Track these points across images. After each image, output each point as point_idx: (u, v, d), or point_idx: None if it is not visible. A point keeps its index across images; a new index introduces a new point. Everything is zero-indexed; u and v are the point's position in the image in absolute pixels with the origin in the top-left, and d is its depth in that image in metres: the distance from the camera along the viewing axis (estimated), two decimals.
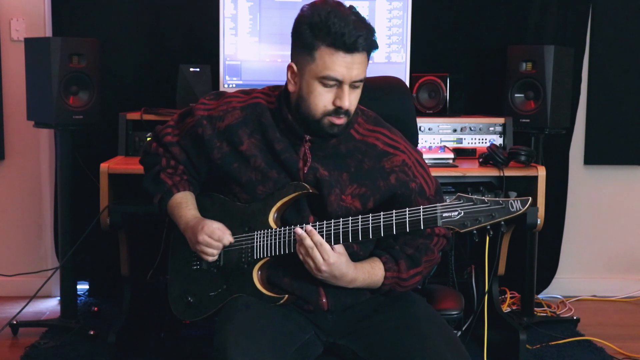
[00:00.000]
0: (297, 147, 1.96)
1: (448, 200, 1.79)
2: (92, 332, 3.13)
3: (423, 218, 1.77)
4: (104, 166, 2.83)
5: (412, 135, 2.26)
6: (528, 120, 3.27)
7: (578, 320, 3.45)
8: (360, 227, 1.83)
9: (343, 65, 1.82)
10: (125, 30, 3.55)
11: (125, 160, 2.97)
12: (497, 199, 1.73)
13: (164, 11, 3.55)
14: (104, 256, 3.56)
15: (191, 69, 3.20)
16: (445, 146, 3.10)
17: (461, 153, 3.15)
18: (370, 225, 1.82)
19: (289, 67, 1.91)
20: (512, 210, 1.71)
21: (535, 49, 3.26)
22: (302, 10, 1.88)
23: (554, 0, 3.63)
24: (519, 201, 1.72)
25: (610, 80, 3.77)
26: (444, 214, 1.75)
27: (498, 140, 3.20)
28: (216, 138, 1.99)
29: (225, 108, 2.01)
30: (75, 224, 3.21)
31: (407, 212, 1.79)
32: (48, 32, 3.57)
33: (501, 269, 3.27)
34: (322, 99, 1.86)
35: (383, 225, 1.81)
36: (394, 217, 1.81)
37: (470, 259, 3.45)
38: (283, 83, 2.07)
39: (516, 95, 3.30)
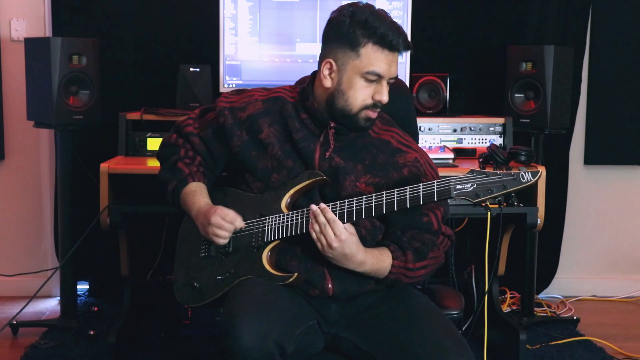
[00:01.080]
0: (316, 137, 2.01)
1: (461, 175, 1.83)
2: (92, 332, 3.12)
3: (437, 190, 1.82)
4: (104, 166, 2.82)
5: (412, 136, 2.26)
6: (528, 120, 3.27)
7: (578, 320, 3.45)
8: (373, 203, 1.88)
9: (386, 62, 1.94)
10: (125, 30, 3.54)
11: (125, 160, 2.97)
12: (509, 171, 1.79)
13: (164, 11, 3.55)
14: (104, 256, 3.56)
15: (191, 69, 3.20)
16: (445, 146, 3.11)
17: (461, 153, 3.15)
18: (384, 200, 1.87)
19: (326, 63, 1.98)
20: (524, 181, 1.78)
21: (535, 49, 3.26)
22: (339, 12, 1.97)
23: (554, 0, 3.63)
24: (529, 173, 1.78)
25: (610, 80, 3.77)
26: (457, 186, 1.81)
27: (498, 140, 3.20)
28: (237, 127, 2.05)
29: (247, 100, 2.08)
30: (75, 224, 3.21)
31: (421, 186, 1.84)
32: (48, 32, 3.57)
33: (501, 269, 3.27)
34: (363, 93, 1.96)
35: (397, 199, 1.86)
36: (407, 192, 1.85)
37: (470, 259, 3.46)
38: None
39: (516, 95, 3.30)
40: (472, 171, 1.82)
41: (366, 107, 1.97)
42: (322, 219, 1.86)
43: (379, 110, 2.00)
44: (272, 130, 2.03)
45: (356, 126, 1.99)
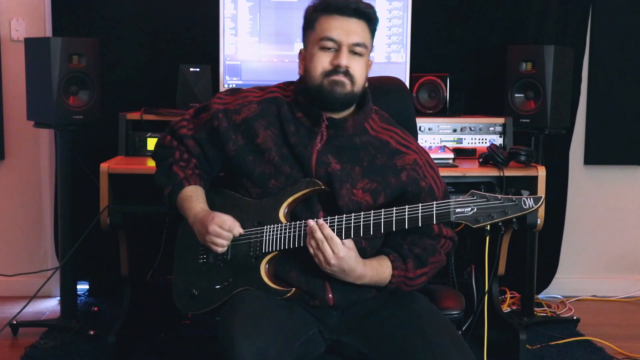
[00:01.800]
0: (313, 135, 1.98)
1: (461, 197, 1.80)
2: (92, 332, 3.13)
3: (436, 213, 1.79)
4: (104, 166, 2.82)
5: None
6: (528, 120, 3.27)
7: (578, 320, 3.45)
8: (372, 221, 1.85)
9: (339, 27, 1.93)
10: (125, 30, 3.55)
11: (125, 160, 2.97)
12: (510, 196, 1.76)
13: (164, 11, 3.55)
14: (104, 256, 3.56)
15: (191, 69, 3.20)
16: (445, 146, 3.11)
17: (461, 153, 3.15)
18: (383, 219, 1.84)
19: (300, 53, 2.02)
20: (525, 207, 1.74)
21: (535, 49, 3.26)
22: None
23: (554, 0, 3.63)
24: (531, 199, 1.75)
25: (610, 80, 3.77)
26: (457, 209, 1.78)
27: (498, 140, 3.20)
28: (232, 131, 2.02)
29: (241, 102, 2.05)
30: (75, 224, 3.21)
31: (420, 207, 1.81)
32: (48, 32, 3.56)
33: (501, 269, 3.27)
34: (321, 62, 1.95)
35: (395, 219, 1.83)
36: (406, 212, 1.82)
37: (470, 259, 3.45)
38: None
39: (516, 95, 3.30)
40: (472, 194, 1.78)
41: (327, 74, 1.93)
42: (319, 235, 1.83)
43: (342, 75, 1.92)
44: (269, 133, 1.99)
45: (330, 98, 1.94)
